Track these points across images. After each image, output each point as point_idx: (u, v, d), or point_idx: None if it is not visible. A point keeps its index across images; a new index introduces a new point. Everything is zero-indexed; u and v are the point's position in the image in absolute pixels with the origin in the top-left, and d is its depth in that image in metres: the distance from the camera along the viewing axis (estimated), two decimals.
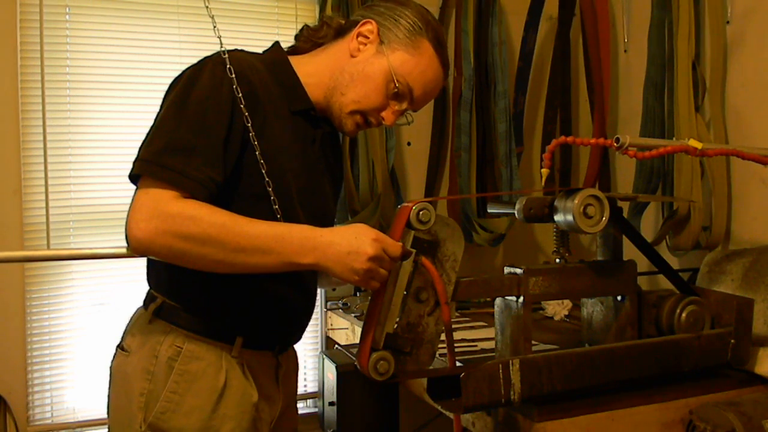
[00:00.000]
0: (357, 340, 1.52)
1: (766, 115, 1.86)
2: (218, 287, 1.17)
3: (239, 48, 1.22)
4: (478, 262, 2.60)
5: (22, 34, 2.06)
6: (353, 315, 2.17)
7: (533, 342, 1.30)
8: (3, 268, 2.03)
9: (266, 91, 1.18)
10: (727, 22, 1.94)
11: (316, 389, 2.43)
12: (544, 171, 1.31)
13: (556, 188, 1.28)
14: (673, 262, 1.88)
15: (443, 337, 1.15)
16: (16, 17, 2.05)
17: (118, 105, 2.17)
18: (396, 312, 1.11)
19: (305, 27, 1.32)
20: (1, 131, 2.04)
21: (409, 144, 2.54)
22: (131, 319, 1.26)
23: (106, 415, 1.25)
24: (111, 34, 2.17)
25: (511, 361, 1.13)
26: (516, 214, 1.27)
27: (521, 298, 1.23)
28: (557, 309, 2.01)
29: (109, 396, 1.24)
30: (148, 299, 1.23)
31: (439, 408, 1.20)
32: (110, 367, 1.24)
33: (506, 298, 1.26)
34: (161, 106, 1.16)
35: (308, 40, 1.30)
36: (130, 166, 1.08)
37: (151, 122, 1.13)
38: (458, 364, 1.33)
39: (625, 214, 1.59)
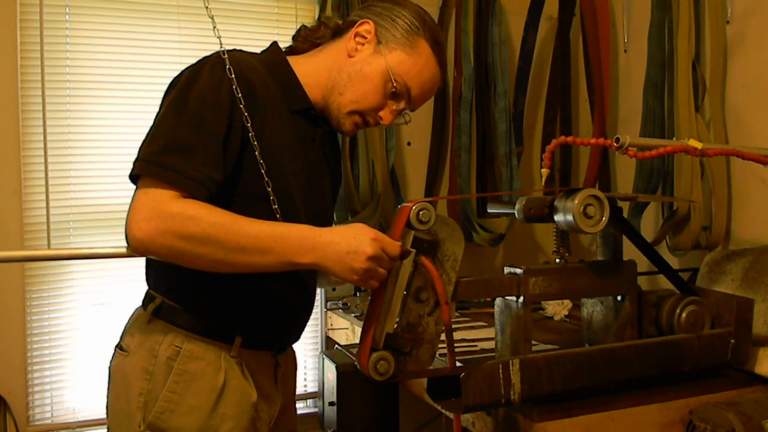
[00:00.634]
0: (357, 340, 1.52)
1: (766, 115, 1.86)
2: (217, 287, 1.17)
3: (239, 48, 1.22)
4: (478, 262, 2.60)
5: (22, 34, 2.06)
6: (353, 315, 2.17)
7: (533, 342, 1.30)
8: (3, 268, 2.03)
9: (265, 90, 1.18)
10: (727, 22, 1.94)
11: (316, 389, 2.43)
12: (544, 171, 1.31)
13: (556, 188, 1.28)
14: (673, 262, 1.88)
15: (443, 337, 1.15)
16: (16, 17, 2.05)
17: (118, 105, 2.17)
18: (396, 312, 1.11)
19: (303, 27, 1.32)
20: (1, 131, 2.04)
21: (409, 144, 2.54)
22: (130, 319, 1.26)
23: (105, 416, 1.25)
24: (111, 34, 2.17)
25: (511, 361, 1.13)
26: (516, 214, 1.27)
27: (521, 298, 1.23)
28: (557, 309, 2.01)
29: (108, 396, 1.24)
30: (147, 299, 1.23)
31: (439, 408, 1.20)
32: (109, 367, 1.24)
33: (506, 298, 1.26)
34: (161, 106, 1.16)
35: (306, 41, 1.30)
36: (130, 166, 1.09)
37: (151, 122, 1.13)
38: (458, 364, 1.33)
39: (625, 214, 1.59)
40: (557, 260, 1.32)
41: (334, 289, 2.40)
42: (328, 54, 1.27)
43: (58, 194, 2.11)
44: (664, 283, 1.49)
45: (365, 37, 1.24)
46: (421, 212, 1.11)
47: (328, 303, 2.37)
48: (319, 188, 1.29)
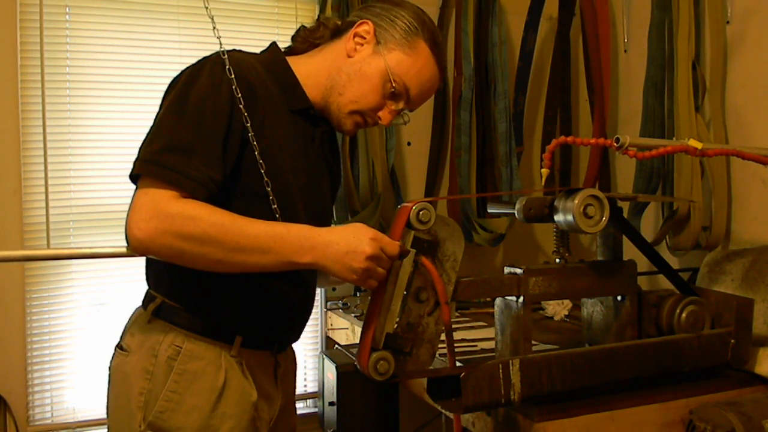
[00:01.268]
0: (357, 340, 1.52)
1: (766, 115, 1.86)
2: (217, 286, 1.17)
3: (238, 48, 1.22)
4: (478, 262, 2.60)
5: (22, 34, 2.06)
6: (353, 315, 2.17)
7: (533, 342, 1.30)
8: (3, 268, 2.03)
9: (265, 90, 1.18)
10: (727, 22, 1.94)
11: (316, 389, 2.43)
12: (544, 171, 1.31)
13: (556, 188, 1.28)
14: (673, 262, 1.88)
15: (443, 337, 1.15)
16: (16, 17, 2.05)
17: (118, 105, 2.17)
18: (396, 312, 1.11)
19: (302, 28, 1.32)
20: (1, 131, 2.04)
21: (409, 144, 2.54)
22: (130, 318, 1.26)
23: (105, 415, 1.25)
24: (111, 34, 2.17)
25: (511, 361, 1.13)
26: (516, 214, 1.27)
27: (521, 298, 1.23)
28: (557, 309, 2.01)
29: (108, 396, 1.24)
30: (147, 299, 1.23)
31: (439, 408, 1.20)
32: (109, 367, 1.24)
33: (506, 298, 1.26)
34: (160, 106, 1.16)
35: (305, 41, 1.31)
36: (130, 166, 1.09)
37: (151, 122, 1.13)
38: (458, 364, 1.33)
39: (625, 214, 1.59)
40: (557, 260, 1.32)
41: (334, 289, 2.40)
42: (327, 54, 1.28)
43: (58, 194, 2.11)
44: (664, 283, 1.49)
45: (364, 38, 1.24)
46: (421, 212, 1.11)
47: (328, 303, 2.37)
48: (318, 188, 1.29)
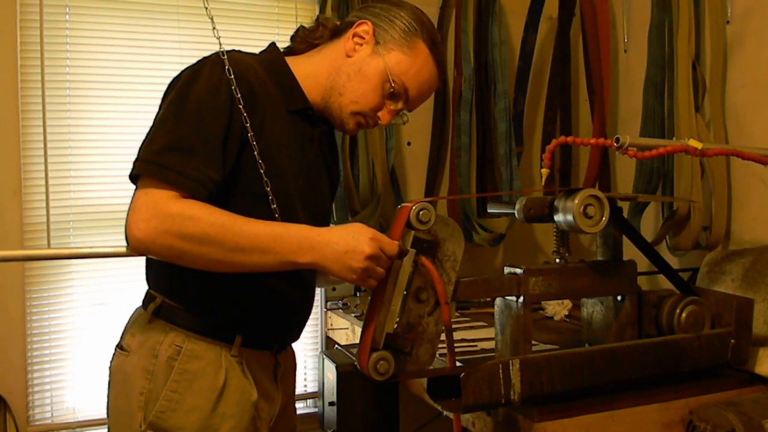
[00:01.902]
0: (357, 340, 1.52)
1: (766, 115, 1.86)
2: (218, 286, 1.17)
3: (238, 48, 1.23)
4: (478, 262, 2.60)
5: (22, 34, 2.06)
6: (353, 315, 2.17)
7: (533, 342, 1.30)
8: (3, 268, 2.03)
9: (264, 91, 1.18)
10: (727, 22, 1.94)
11: (316, 389, 2.43)
12: (544, 171, 1.31)
13: (556, 188, 1.28)
14: (673, 262, 1.88)
15: (443, 337, 1.15)
16: (16, 17, 2.04)
17: (118, 105, 2.17)
18: (396, 312, 1.11)
19: (301, 28, 1.33)
20: (1, 131, 2.04)
21: (409, 144, 2.54)
22: (130, 319, 1.26)
23: (105, 415, 1.25)
24: (111, 34, 2.17)
25: (511, 361, 1.14)
26: (516, 214, 1.27)
27: (521, 298, 1.23)
28: (557, 309, 2.01)
29: (108, 396, 1.24)
30: (148, 299, 1.23)
31: (439, 408, 1.20)
32: (110, 367, 1.24)
33: (506, 298, 1.26)
34: (160, 107, 1.16)
35: (304, 41, 1.31)
36: (130, 166, 1.09)
37: (151, 122, 1.13)
38: (458, 364, 1.33)
39: (625, 214, 1.59)
40: (557, 260, 1.32)
41: (334, 289, 2.40)
42: (326, 54, 1.28)
43: (58, 194, 2.11)
44: (664, 283, 1.49)
45: (363, 38, 1.24)
46: (421, 212, 1.11)
47: (328, 303, 2.37)
48: (317, 188, 1.30)
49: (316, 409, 2.35)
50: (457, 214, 2.46)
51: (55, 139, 2.10)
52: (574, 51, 2.52)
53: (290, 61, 1.27)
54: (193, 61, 1.18)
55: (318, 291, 2.33)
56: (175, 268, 1.09)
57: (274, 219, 1.14)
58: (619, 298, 1.35)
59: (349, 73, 1.24)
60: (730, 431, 1.19)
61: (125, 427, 1.17)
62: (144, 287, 1.26)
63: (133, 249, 1.06)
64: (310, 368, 2.46)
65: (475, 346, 1.71)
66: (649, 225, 2.20)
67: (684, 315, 1.33)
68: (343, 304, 2.32)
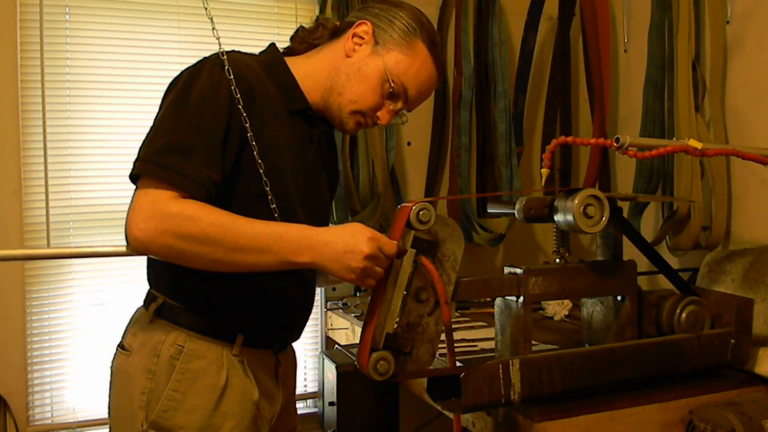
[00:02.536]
0: (357, 340, 1.52)
1: (766, 115, 1.86)
2: (219, 286, 1.17)
3: (238, 48, 1.23)
4: (478, 262, 2.60)
5: (22, 34, 2.06)
6: (353, 315, 2.17)
7: (533, 342, 1.30)
8: (3, 268, 2.03)
9: (264, 91, 1.19)
10: (727, 22, 1.94)
11: (316, 389, 2.43)
12: (544, 171, 1.31)
13: (556, 188, 1.28)
14: (673, 262, 1.88)
15: (443, 337, 1.15)
16: (16, 17, 2.05)
17: (118, 105, 2.17)
18: (396, 312, 1.11)
19: (300, 28, 1.33)
20: (1, 131, 2.04)
21: (409, 144, 2.54)
22: (131, 318, 1.26)
23: (106, 415, 1.25)
24: (111, 34, 2.17)
25: (511, 361, 1.14)
26: (516, 214, 1.27)
27: (521, 298, 1.23)
28: (557, 309, 2.01)
29: (110, 395, 1.24)
30: (149, 299, 1.23)
31: (439, 408, 1.20)
32: (111, 367, 1.24)
33: (506, 298, 1.26)
34: (160, 107, 1.16)
35: (303, 42, 1.31)
36: (130, 166, 1.09)
37: (151, 122, 1.13)
38: (458, 364, 1.33)
39: (625, 214, 1.59)
40: (557, 260, 1.32)
41: (334, 289, 2.40)
42: (326, 54, 1.28)
43: (58, 194, 2.11)
44: (664, 283, 1.49)
45: (363, 38, 1.25)
46: (421, 212, 1.11)
47: (328, 303, 2.37)
48: (316, 188, 1.30)
49: (316, 409, 2.35)
50: (457, 214, 2.46)
51: (55, 139, 2.10)
52: (574, 51, 2.52)
53: (290, 61, 1.27)
54: (193, 61, 1.18)
55: (318, 291, 2.33)
56: (177, 268, 1.09)
57: (273, 219, 1.15)
58: (619, 298, 1.35)
59: (349, 72, 1.24)
60: (730, 431, 1.19)
61: (127, 426, 1.18)
62: (144, 287, 1.26)
63: (132, 249, 1.07)
64: (310, 368, 2.46)
65: (475, 346, 1.71)
66: (649, 225, 2.20)
67: (684, 315, 1.33)
68: (343, 304, 2.32)
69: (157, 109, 1.17)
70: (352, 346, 2.01)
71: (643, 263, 1.39)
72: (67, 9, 2.12)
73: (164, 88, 1.19)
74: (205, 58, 1.17)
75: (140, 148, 1.10)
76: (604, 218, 1.23)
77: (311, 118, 1.27)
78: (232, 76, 1.12)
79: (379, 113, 1.26)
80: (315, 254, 1.07)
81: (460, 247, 1.17)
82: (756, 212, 1.89)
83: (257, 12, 2.37)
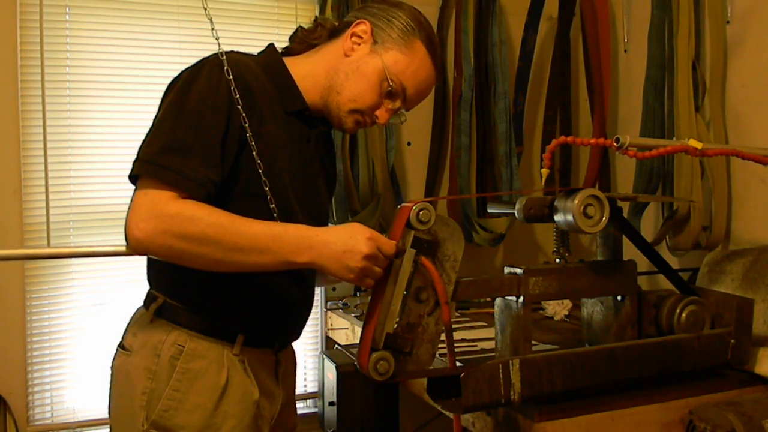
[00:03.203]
0: (357, 340, 1.52)
1: (766, 115, 1.86)
2: (219, 285, 1.17)
3: (238, 49, 1.23)
4: (478, 262, 2.59)
5: (22, 34, 2.06)
6: (353, 315, 2.17)
7: (533, 342, 1.30)
8: (3, 267, 2.03)
9: (262, 92, 1.19)
10: (727, 22, 1.94)
11: (316, 389, 2.43)
12: (544, 171, 1.31)
13: (556, 188, 1.28)
14: (673, 262, 1.88)
15: (443, 337, 1.15)
16: (16, 17, 2.04)
17: (118, 105, 2.17)
18: (396, 312, 1.11)
19: (299, 29, 1.33)
20: (1, 131, 2.04)
21: (409, 144, 2.54)
22: (132, 318, 1.26)
23: (106, 415, 1.25)
24: (111, 34, 2.17)
25: (511, 361, 1.14)
26: (516, 214, 1.27)
27: (521, 298, 1.23)
28: (557, 309, 2.01)
29: (110, 395, 1.24)
30: (149, 299, 1.24)
31: (439, 408, 1.20)
32: (111, 367, 1.24)
33: (506, 298, 1.26)
34: (160, 107, 1.17)
35: (302, 42, 1.32)
36: (130, 166, 1.09)
37: (151, 122, 1.13)
38: (458, 364, 1.33)
39: (625, 214, 1.59)
40: (557, 260, 1.32)
41: (334, 289, 2.40)
42: (325, 54, 1.28)
43: (58, 194, 2.11)
44: (664, 283, 1.49)
45: (361, 37, 1.25)
46: (421, 212, 1.11)
47: (328, 303, 2.37)
48: (315, 188, 1.30)
49: (316, 409, 2.35)
50: (457, 214, 2.46)
51: (55, 139, 2.10)
52: (574, 51, 2.52)
53: (288, 61, 1.28)
54: (193, 61, 1.18)
55: (318, 291, 2.33)
56: (177, 268, 1.10)
57: (272, 219, 1.15)
58: (619, 298, 1.35)
59: (347, 72, 1.24)
60: (730, 431, 1.19)
61: (127, 426, 1.18)
62: (144, 287, 1.26)
63: (132, 249, 1.07)
64: (310, 368, 2.46)
65: (475, 346, 1.71)
66: (649, 225, 2.20)
67: (684, 315, 1.33)
68: (343, 304, 2.32)
69: (156, 109, 1.17)
70: (352, 346, 2.01)
71: (643, 263, 1.39)
72: (67, 9, 2.12)
73: (164, 88, 1.19)
74: (204, 58, 1.17)
75: (140, 149, 1.10)
76: (604, 218, 1.23)
77: (309, 118, 1.27)
78: (231, 77, 1.12)
79: (377, 112, 1.26)
80: (314, 254, 1.07)
81: (460, 247, 1.17)
82: (756, 212, 1.89)
83: (257, 12, 2.37)
